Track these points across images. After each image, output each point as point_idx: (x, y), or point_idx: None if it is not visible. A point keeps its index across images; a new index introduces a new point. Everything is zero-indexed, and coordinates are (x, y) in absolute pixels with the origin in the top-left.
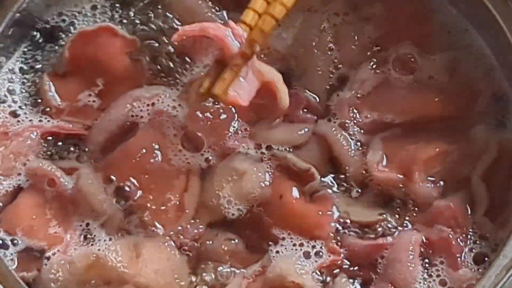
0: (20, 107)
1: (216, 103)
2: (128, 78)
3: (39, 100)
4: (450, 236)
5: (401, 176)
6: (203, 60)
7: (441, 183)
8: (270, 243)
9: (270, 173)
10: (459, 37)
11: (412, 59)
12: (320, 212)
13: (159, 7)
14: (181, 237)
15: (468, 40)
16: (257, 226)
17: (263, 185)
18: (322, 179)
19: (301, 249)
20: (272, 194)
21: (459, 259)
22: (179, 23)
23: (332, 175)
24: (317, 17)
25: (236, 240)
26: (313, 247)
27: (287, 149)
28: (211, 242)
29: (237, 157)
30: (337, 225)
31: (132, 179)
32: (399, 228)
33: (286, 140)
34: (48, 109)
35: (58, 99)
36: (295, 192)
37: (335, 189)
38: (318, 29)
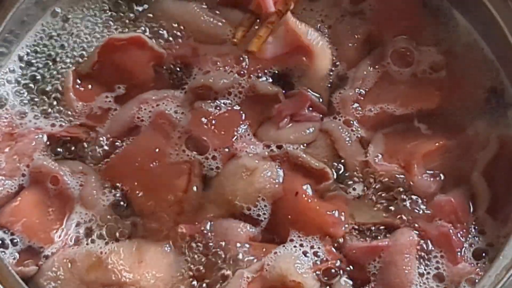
0: (26, 108)
1: (219, 108)
2: (149, 88)
3: (45, 101)
4: (451, 231)
5: (401, 169)
6: (203, 67)
7: (441, 176)
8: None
9: (281, 170)
10: (455, 31)
11: (408, 53)
12: (334, 211)
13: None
14: (183, 234)
15: (463, 34)
16: (270, 222)
17: (275, 181)
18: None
19: (300, 249)
20: (286, 191)
21: (459, 254)
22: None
23: (337, 172)
24: (312, 18)
25: (249, 228)
26: (311, 247)
27: (297, 147)
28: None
29: (245, 156)
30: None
31: (133, 181)
32: (399, 226)
33: (296, 139)
34: (63, 107)
35: (77, 98)
36: (310, 190)
37: (339, 186)
38: (314, 29)
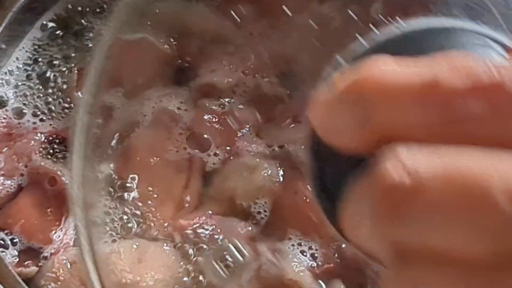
0: (25, 107)
1: (222, 106)
2: (154, 85)
3: (45, 101)
4: None
5: None
6: (208, 65)
7: None
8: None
9: (282, 169)
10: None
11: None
12: None
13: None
14: (182, 230)
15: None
16: (269, 221)
17: (275, 180)
18: None
19: (298, 248)
20: (286, 191)
21: None
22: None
23: None
24: (319, 20)
25: (249, 227)
26: (310, 248)
27: (299, 147)
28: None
29: (247, 154)
30: None
31: (133, 178)
32: None
33: (298, 139)
34: (64, 106)
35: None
36: (309, 190)
37: None
38: (320, 31)
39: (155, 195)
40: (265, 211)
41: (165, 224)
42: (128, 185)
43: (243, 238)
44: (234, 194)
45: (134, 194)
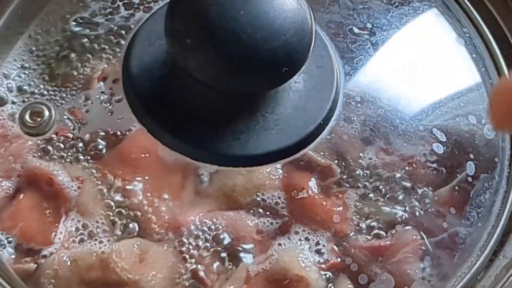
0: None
1: None
2: None
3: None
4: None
5: (405, 162)
6: None
7: (443, 170)
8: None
9: (281, 165)
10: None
11: None
12: (340, 207)
13: None
14: (180, 229)
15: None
16: (274, 216)
17: (274, 177)
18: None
19: (306, 243)
20: (291, 188)
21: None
22: None
23: (342, 168)
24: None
25: (255, 222)
26: (317, 243)
27: None
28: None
29: None
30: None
31: (129, 178)
32: (406, 223)
33: None
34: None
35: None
36: (314, 186)
37: (345, 182)
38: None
39: (153, 196)
40: (270, 206)
41: (165, 224)
42: (125, 186)
43: (247, 233)
44: (233, 192)
45: (132, 194)
